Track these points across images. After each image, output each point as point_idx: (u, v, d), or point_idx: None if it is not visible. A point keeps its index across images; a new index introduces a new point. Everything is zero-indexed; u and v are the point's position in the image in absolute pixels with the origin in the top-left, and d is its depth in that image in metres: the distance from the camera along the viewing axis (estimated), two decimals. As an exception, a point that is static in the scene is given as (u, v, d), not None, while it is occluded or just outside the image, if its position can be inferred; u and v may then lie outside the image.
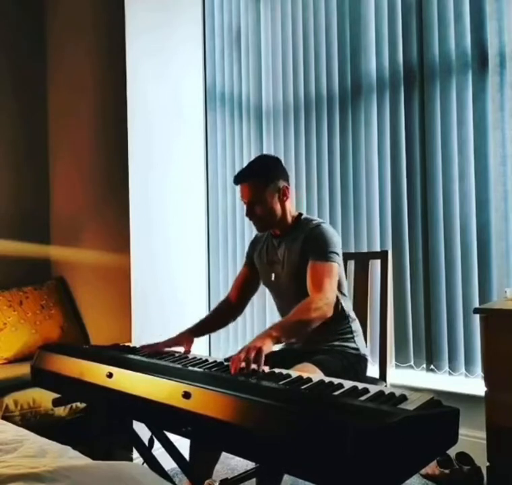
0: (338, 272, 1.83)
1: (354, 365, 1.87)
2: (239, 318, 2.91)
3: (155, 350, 1.80)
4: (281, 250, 1.94)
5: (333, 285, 1.78)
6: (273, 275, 1.96)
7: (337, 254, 1.83)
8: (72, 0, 2.82)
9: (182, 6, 2.80)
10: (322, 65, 2.77)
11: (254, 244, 2.12)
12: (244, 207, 1.93)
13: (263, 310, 2.95)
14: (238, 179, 1.91)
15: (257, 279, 2.11)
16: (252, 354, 1.45)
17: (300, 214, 1.99)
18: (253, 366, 1.43)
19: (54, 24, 2.93)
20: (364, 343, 1.98)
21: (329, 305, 1.73)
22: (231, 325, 2.89)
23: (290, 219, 1.95)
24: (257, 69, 3.01)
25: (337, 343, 1.88)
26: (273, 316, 2.90)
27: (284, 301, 1.98)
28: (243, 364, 1.43)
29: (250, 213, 1.90)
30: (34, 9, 2.95)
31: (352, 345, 1.91)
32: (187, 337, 1.90)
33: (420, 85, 2.45)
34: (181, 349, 1.85)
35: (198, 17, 2.89)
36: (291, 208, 1.96)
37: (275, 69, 2.96)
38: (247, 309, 2.94)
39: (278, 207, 1.90)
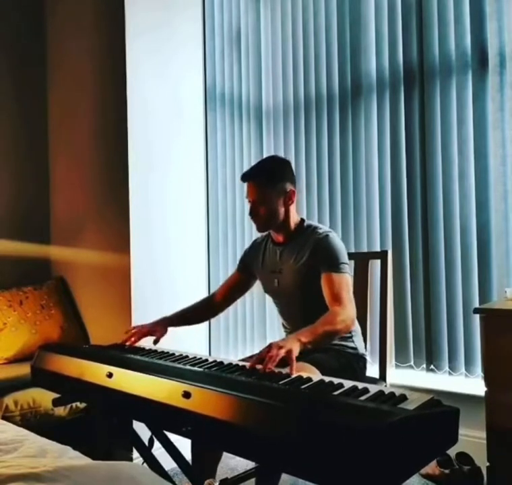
0: (351, 282, 1.85)
1: (352, 364, 1.87)
2: (239, 319, 2.95)
3: (128, 339, 1.94)
4: (285, 258, 1.93)
5: (351, 298, 1.80)
6: (276, 282, 1.95)
7: (348, 264, 1.85)
8: (72, 0, 2.82)
9: (182, 6, 2.80)
10: (322, 65, 2.77)
11: (251, 251, 2.11)
12: (248, 205, 1.92)
13: (262, 311, 2.95)
14: (246, 177, 1.91)
15: (248, 285, 2.12)
16: (282, 352, 1.47)
17: (303, 220, 1.97)
18: (285, 370, 1.43)
19: (54, 24, 2.93)
20: (362, 344, 1.98)
21: (351, 318, 1.76)
22: (231, 326, 2.93)
23: (292, 224, 1.94)
24: (257, 69, 3.01)
25: (334, 342, 1.88)
26: (272, 316, 2.90)
27: (289, 308, 1.98)
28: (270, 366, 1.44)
29: (253, 212, 1.90)
30: (34, 8, 2.95)
31: (350, 344, 1.91)
32: (162, 326, 1.97)
33: (420, 85, 2.45)
34: (151, 339, 1.93)
35: (198, 17, 2.89)
36: (294, 213, 1.95)
37: (275, 69, 2.96)
38: (247, 310, 2.97)
39: (282, 210, 1.89)
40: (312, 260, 1.85)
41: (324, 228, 1.93)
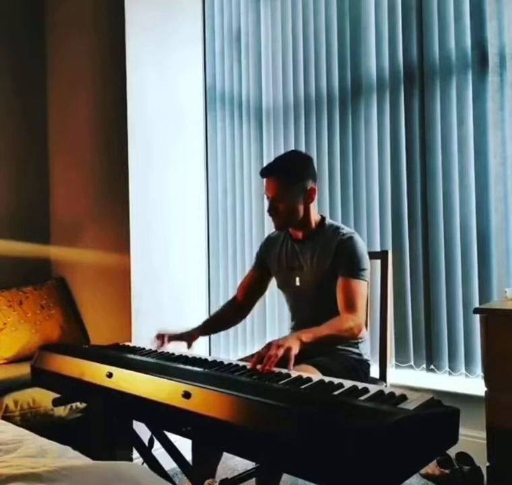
0: (367, 289, 1.83)
1: (355, 367, 1.85)
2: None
3: (162, 341, 1.85)
4: (306, 256, 1.89)
5: (364, 305, 1.78)
6: (297, 279, 1.91)
7: (367, 270, 1.82)
8: None
9: (182, 5, 2.79)
10: (322, 65, 2.77)
11: (267, 247, 2.06)
12: (267, 202, 1.86)
13: (262, 311, 2.95)
14: (266, 172, 1.84)
15: (265, 282, 2.08)
16: (281, 351, 1.46)
17: (323, 218, 1.94)
18: (284, 370, 1.43)
19: (55, 23, 2.93)
20: (368, 350, 1.97)
21: (360, 327, 1.74)
22: (231, 326, 2.92)
23: (312, 222, 1.89)
24: (257, 69, 3.01)
25: (340, 346, 1.87)
26: (272, 316, 2.90)
27: (303, 306, 1.95)
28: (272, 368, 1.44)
29: (272, 210, 1.83)
30: (35, 7, 2.95)
31: (355, 350, 1.89)
32: (192, 335, 1.92)
33: (420, 85, 2.45)
34: (183, 345, 1.88)
35: (198, 17, 2.88)
36: (314, 211, 1.91)
37: (275, 69, 2.95)
38: (247, 309, 2.96)
39: (301, 208, 1.84)
40: (334, 261, 1.81)
41: (347, 228, 1.89)
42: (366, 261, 1.82)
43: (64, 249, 2.86)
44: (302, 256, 1.91)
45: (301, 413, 1.06)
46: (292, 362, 1.46)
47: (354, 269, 1.78)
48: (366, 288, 1.80)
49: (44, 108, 2.96)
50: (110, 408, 1.53)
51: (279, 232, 2.01)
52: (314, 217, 1.91)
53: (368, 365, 1.93)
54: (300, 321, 1.97)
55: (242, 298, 2.09)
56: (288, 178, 1.81)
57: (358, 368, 1.86)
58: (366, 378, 1.91)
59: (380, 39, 2.57)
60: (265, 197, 1.88)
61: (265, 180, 1.86)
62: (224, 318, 2.09)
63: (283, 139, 2.92)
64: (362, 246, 1.84)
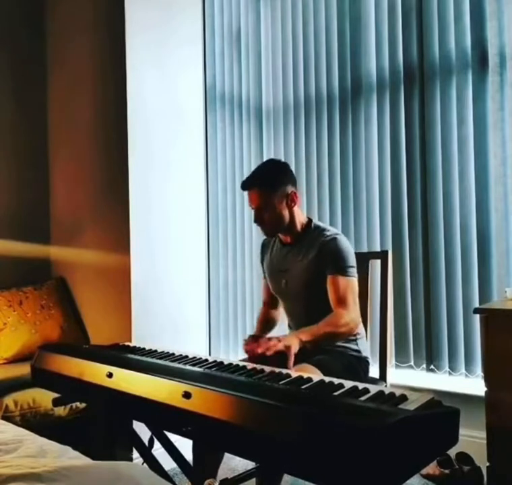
0: (356, 286, 1.86)
1: (354, 365, 1.86)
2: (239, 319, 2.95)
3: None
4: (292, 258, 1.93)
5: (356, 301, 1.81)
6: (283, 282, 1.95)
7: (354, 267, 1.85)
8: None
9: (182, 5, 2.79)
10: (322, 65, 2.77)
11: (262, 252, 2.13)
12: (252, 212, 1.91)
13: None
14: (246, 185, 1.90)
15: None
16: (281, 345, 1.50)
17: (310, 220, 1.97)
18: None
19: (54, 23, 2.93)
20: (366, 347, 1.98)
21: (355, 321, 1.78)
22: (231, 326, 2.93)
23: (299, 225, 1.93)
24: (257, 69, 3.01)
25: (338, 344, 1.88)
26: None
27: (295, 307, 1.99)
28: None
29: (258, 219, 1.89)
30: (35, 7, 2.95)
31: (354, 346, 1.90)
32: None
33: (420, 85, 2.45)
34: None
35: (198, 17, 2.88)
36: (300, 214, 1.95)
37: (275, 69, 2.95)
38: (247, 310, 2.97)
39: (286, 213, 1.89)
40: (319, 261, 1.84)
41: (332, 229, 1.93)
42: (352, 259, 1.86)
43: (64, 249, 2.86)
44: (289, 259, 1.95)
45: (301, 413, 1.06)
46: (292, 359, 1.47)
47: (341, 267, 1.82)
48: (355, 284, 1.84)
49: (44, 108, 2.96)
50: (110, 408, 1.53)
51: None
52: (300, 220, 1.95)
53: (367, 363, 1.94)
54: (295, 322, 2.00)
55: (272, 306, 2.14)
56: (268, 187, 1.86)
57: (357, 367, 1.88)
58: (366, 376, 1.92)
59: (380, 39, 2.57)
60: (250, 208, 1.93)
61: (246, 192, 1.92)
62: (272, 320, 2.13)
63: (283, 139, 2.92)
64: (346, 245, 1.87)
